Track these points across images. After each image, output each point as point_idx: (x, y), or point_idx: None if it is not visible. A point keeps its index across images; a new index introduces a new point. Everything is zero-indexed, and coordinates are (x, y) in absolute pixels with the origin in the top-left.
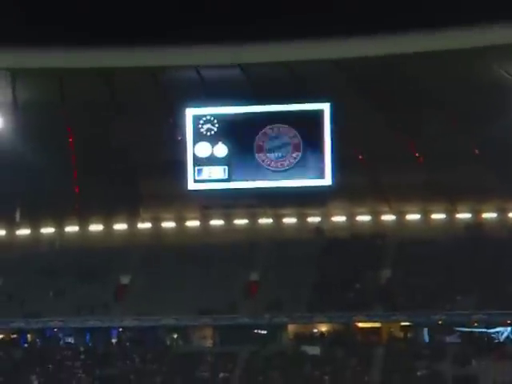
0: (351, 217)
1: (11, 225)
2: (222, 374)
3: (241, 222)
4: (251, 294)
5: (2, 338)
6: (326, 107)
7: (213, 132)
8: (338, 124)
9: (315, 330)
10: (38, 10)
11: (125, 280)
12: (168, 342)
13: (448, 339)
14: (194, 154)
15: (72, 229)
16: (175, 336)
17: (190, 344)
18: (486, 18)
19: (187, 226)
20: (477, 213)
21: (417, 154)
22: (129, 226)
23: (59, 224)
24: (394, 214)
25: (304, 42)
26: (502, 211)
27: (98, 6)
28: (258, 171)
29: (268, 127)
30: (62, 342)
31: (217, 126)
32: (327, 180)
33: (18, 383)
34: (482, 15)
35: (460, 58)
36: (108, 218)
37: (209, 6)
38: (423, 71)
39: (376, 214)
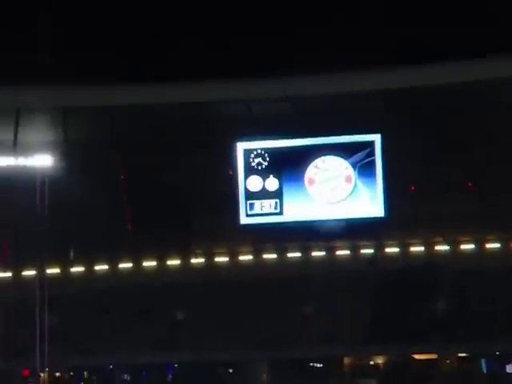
0: (404, 248)
1: (65, 263)
2: None
3: (293, 255)
4: (306, 327)
5: (59, 376)
6: (376, 138)
7: (264, 166)
8: (389, 155)
9: (371, 362)
10: (90, 47)
11: (180, 316)
12: (223, 377)
13: (507, 369)
14: (245, 188)
15: (126, 265)
16: (230, 371)
17: (246, 378)
18: None
19: (240, 260)
20: None
21: (469, 184)
22: (182, 261)
23: (113, 261)
24: (447, 244)
25: (352, 72)
26: None
27: (147, 43)
28: (310, 204)
29: (319, 159)
30: (118, 380)
31: (268, 159)
32: (380, 211)
33: None
34: None
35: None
36: (161, 254)
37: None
38: (473, 100)
39: (429, 245)
